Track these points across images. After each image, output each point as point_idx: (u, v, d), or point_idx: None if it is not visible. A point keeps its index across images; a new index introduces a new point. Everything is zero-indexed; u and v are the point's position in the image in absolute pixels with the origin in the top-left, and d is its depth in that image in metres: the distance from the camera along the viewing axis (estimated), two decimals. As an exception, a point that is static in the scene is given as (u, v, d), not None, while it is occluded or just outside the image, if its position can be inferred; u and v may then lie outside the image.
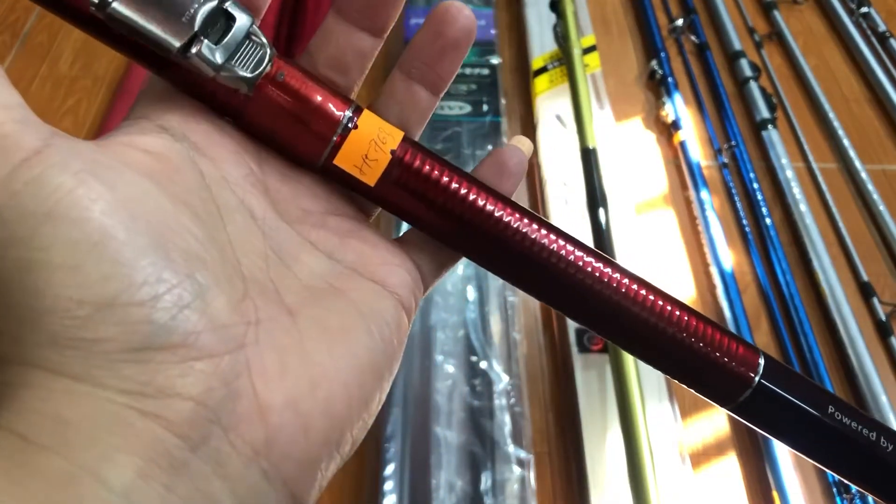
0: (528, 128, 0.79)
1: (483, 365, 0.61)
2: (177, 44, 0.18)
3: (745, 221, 0.73)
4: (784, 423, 0.21)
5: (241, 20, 0.19)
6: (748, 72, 0.85)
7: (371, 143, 0.21)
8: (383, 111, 0.22)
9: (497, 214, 0.20)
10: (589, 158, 0.69)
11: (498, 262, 0.21)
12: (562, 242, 0.21)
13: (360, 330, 0.18)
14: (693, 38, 0.90)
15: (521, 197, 0.75)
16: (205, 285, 0.16)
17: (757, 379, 0.20)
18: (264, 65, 0.19)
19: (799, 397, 0.21)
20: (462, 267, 0.66)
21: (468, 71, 0.81)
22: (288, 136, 0.20)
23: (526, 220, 0.21)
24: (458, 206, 0.20)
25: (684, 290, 0.70)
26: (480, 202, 0.21)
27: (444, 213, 0.21)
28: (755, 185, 0.75)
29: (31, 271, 0.15)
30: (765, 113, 0.81)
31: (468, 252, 0.22)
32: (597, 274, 0.20)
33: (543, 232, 0.21)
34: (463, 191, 0.20)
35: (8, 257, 0.15)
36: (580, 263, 0.20)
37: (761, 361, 0.21)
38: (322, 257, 0.20)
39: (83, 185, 0.15)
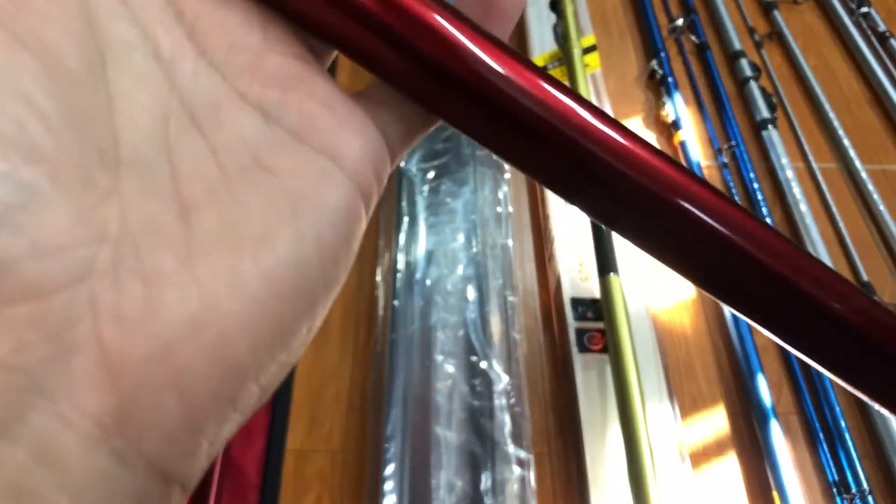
0: (528, 128, 0.79)
1: (483, 365, 0.61)
2: None
3: (745, 221, 0.73)
4: None
5: None
6: (748, 72, 0.85)
7: None
8: None
9: (488, 61, 0.15)
10: (589, 158, 0.69)
11: (484, 126, 0.16)
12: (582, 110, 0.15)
13: (285, 235, 0.13)
14: (693, 37, 0.90)
15: (521, 197, 0.75)
16: (32, 185, 0.11)
17: None
18: None
19: None
20: (462, 267, 0.66)
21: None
22: None
23: (528, 72, 0.15)
24: (432, 42, 0.15)
25: (684, 290, 0.70)
26: (465, 41, 0.15)
27: (414, 53, 0.15)
28: (755, 185, 0.75)
29: None
30: (765, 113, 0.81)
31: (449, 111, 0.16)
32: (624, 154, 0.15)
33: (553, 89, 0.15)
34: (443, 25, 0.15)
35: None
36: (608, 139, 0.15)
37: None
38: (254, 116, 0.14)
39: None
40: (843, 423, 0.59)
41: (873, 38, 0.90)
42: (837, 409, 0.60)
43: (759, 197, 0.74)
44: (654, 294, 0.66)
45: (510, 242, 0.68)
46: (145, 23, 0.14)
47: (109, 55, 0.13)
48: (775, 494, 0.55)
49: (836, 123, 0.81)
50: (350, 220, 0.14)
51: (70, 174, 0.12)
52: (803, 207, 0.73)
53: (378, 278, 0.65)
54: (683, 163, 0.76)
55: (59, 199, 0.11)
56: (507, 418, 0.58)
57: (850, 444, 0.57)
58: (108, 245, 0.12)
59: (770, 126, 0.80)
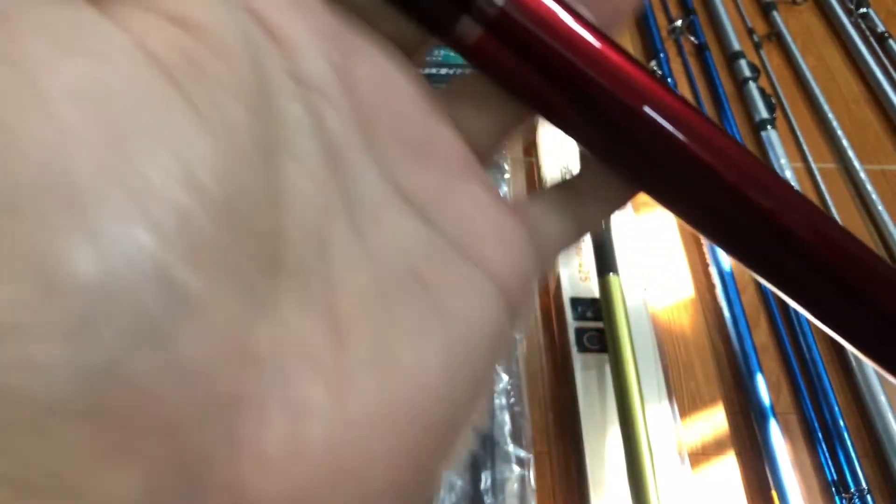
0: (528, 127, 0.79)
1: (483, 365, 0.61)
2: None
3: (744, 221, 0.73)
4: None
5: None
6: (747, 72, 0.85)
7: None
8: None
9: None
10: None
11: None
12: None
13: (437, 362, 0.11)
14: (692, 38, 0.90)
15: (521, 197, 0.75)
16: (189, 295, 0.09)
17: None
18: None
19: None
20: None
21: (468, 70, 0.81)
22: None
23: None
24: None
25: (683, 289, 0.70)
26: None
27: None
28: (754, 186, 0.75)
29: None
30: (764, 113, 0.81)
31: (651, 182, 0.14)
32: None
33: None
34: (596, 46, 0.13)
35: None
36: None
37: None
38: (413, 218, 0.13)
39: (25, 99, 0.09)
40: (841, 423, 0.59)
41: (872, 39, 0.90)
42: (836, 408, 0.60)
43: (759, 197, 0.74)
44: (654, 294, 0.66)
45: (510, 242, 0.68)
46: (317, 104, 0.12)
47: (280, 138, 0.11)
48: (774, 494, 0.56)
49: (834, 124, 0.81)
50: (500, 342, 0.13)
51: (230, 281, 0.10)
52: (802, 208, 0.73)
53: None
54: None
55: (213, 312, 0.09)
56: (506, 418, 0.58)
57: (848, 443, 0.58)
58: (256, 369, 0.10)
59: (769, 126, 0.80)
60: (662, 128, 0.14)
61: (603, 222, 0.15)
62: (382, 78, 0.13)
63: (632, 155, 0.14)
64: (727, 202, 0.14)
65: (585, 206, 0.15)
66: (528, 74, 0.14)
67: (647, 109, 0.14)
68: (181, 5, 0.11)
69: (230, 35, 0.11)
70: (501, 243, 0.13)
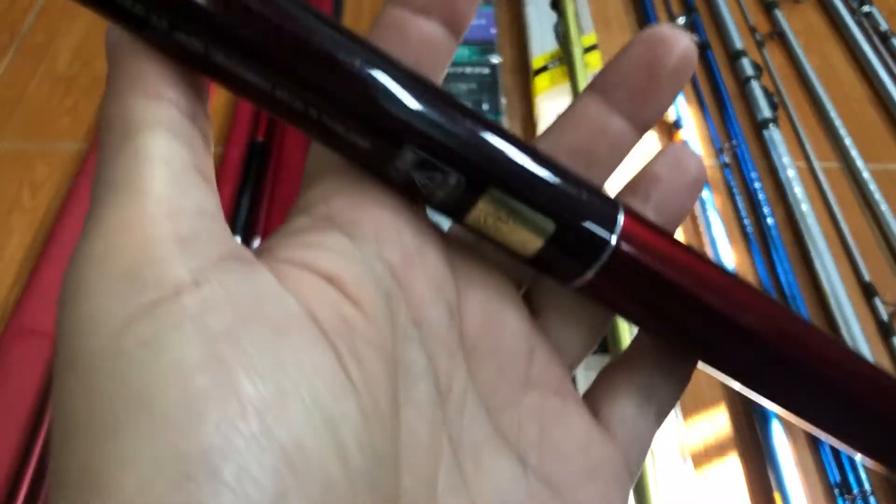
0: (529, 127, 0.78)
1: (483, 365, 0.60)
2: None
3: (746, 221, 0.72)
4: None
5: None
6: (749, 71, 0.84)
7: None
8: (562, 133, 0.17)
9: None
10: (590, 158, 0.69)
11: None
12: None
13: None
14: (694, 37, 0.90)
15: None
16: None
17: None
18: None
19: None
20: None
21: (468, 70, 0.81)
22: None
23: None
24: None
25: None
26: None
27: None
28: (757, 185, 0.75)
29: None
30: (766, 112, 0.81)
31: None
32: None
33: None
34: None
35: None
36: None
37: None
38: (512, 462, 0.14)
39: (215, 368, 0.10)
40: (845, 424, 0.58)
41: (875, 38, 0.90)
42: (839, 409, 0.59)
43: (761, 196, 0.74)
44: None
45: (511, 242, 0.68)
46: (432, 346, 0.13)
47: (404, 386, 0.12)
48: (777, 495, 0.55)
49: (837, 123, 0.81)
50: None
51: None
52: (805, 207, 0.72)
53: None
54: (684, 162, 0.76)
55: None
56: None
57: (852, 444, 0.57)
58: None
59: (771, 125, 0.79)
60: (746, 329, 0.16)
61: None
62: (491, 315, 0.15)
63: (718, 345, 0.16)
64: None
65: (662, 400, 0.16)
66: (633, 303, 0.16)
67: (740, 318, 0.16)
68: (333, 265, 0.13)
69: (372, 290, 0.12)
70: (595, 480, 0.14)
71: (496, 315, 0.15)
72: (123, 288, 0.10)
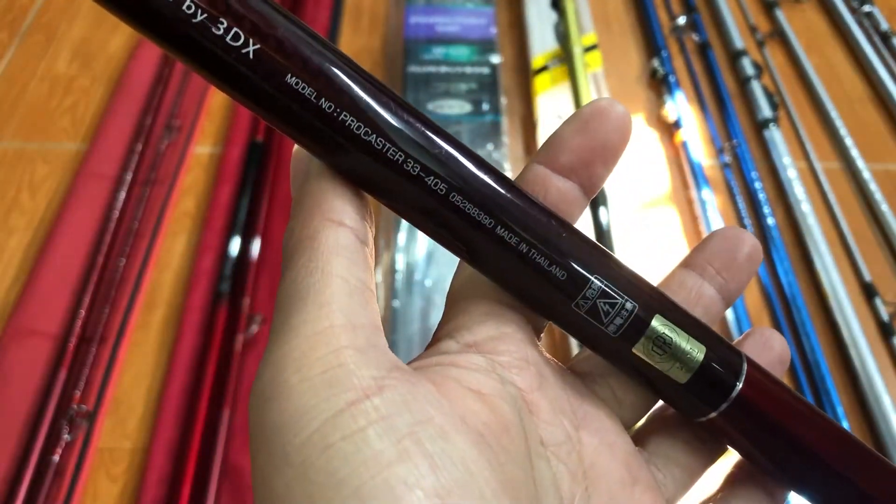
0: (529, 127, 0.78)
1: (483, 365, 0.60)
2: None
3: (747, 221, 0.72)
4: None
5: None
6: (750, 70, 0.84)
7: None
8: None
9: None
10: (590, 158, 0.69)
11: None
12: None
13: None
14: (695, 36, 0.90)
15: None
16: None
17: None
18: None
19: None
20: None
21: (468, 70, 0.80)
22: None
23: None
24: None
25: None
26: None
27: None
28: (757, 185, 0.75)
29: None
30: (767, 112, 0.80)
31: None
32: None
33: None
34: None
35: None
36: None
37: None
38: None
39: (406, 460, 0.12)
40: (845, 424, 0.58)
41: (876, 37, 0.90)
42: (840, 409, 0.59)
43: (761, 196, 0.74)
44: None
45: (511, 242, 0.68)
46: (555, 464, 0.16)
47: (536, 496, 0.14)
48: (777, 496, 0.55)
49: (838, 122, 0.81)
50: None
51: None
52: (805, 207, 0.72)
53: (378, 279, 0.65)
54: (684, 162, 0.76)
55: None
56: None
57: (852, 445, 0.57)
58: None
59: (772, 125, 0.79)
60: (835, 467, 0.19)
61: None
62: (603, 445, 0.17)
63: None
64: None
65: None
66: (746, 439, 0.19)
67: (837, 464, 0.19)
68: (477, 381, 0.15)
69: (510, 409, 0.15)
70: None
71: (609, 448, 0.17)
72: (324, 389, 0.13)
